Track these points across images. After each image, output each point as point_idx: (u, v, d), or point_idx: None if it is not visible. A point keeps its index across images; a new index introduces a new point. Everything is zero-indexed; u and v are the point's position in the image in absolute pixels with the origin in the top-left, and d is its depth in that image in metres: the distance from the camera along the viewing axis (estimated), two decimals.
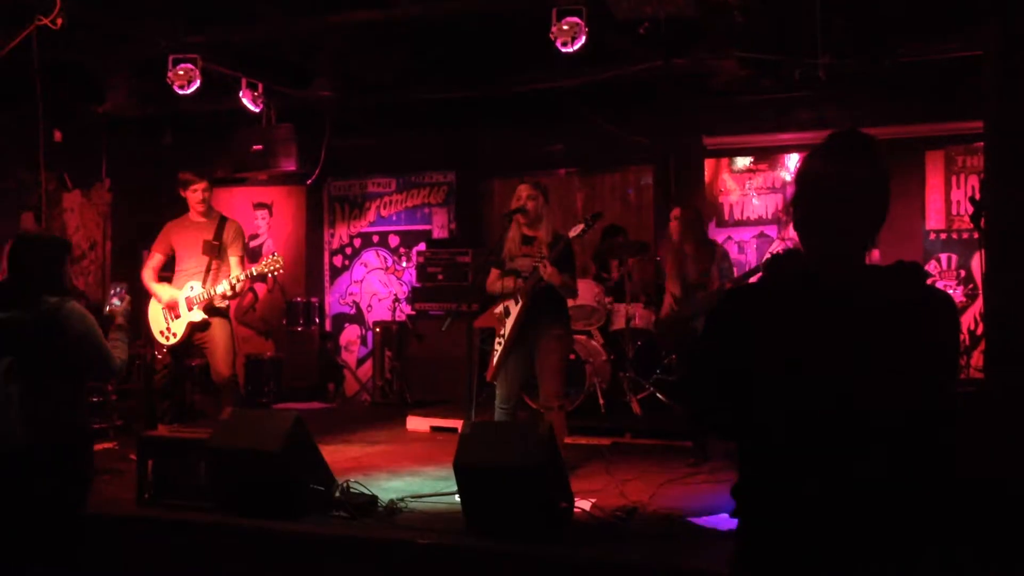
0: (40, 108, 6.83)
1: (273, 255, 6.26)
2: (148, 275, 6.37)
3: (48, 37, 6.41)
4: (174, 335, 6.24)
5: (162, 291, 6.27)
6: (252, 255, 10.08)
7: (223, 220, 6.43)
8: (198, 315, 6.17)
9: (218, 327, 6.24)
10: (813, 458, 1.90)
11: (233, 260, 6.32)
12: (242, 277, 6.20)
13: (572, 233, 5.40)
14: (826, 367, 1.89)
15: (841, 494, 1.87)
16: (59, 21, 6.30)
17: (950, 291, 7.85)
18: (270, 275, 6.36)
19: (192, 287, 6.21)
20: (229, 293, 6.17)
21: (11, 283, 3.85)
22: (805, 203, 2.02)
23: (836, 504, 1.87)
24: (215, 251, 6.29)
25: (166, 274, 6.47)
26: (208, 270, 6.26)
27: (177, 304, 6.21)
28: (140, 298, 6.46)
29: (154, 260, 6.42)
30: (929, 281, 1.99)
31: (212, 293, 6.15)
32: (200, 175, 6.36)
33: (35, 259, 3.85)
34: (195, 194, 6.33)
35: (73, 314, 3.77)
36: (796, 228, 2.04)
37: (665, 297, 6.58)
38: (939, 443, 1.90)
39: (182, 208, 6.51)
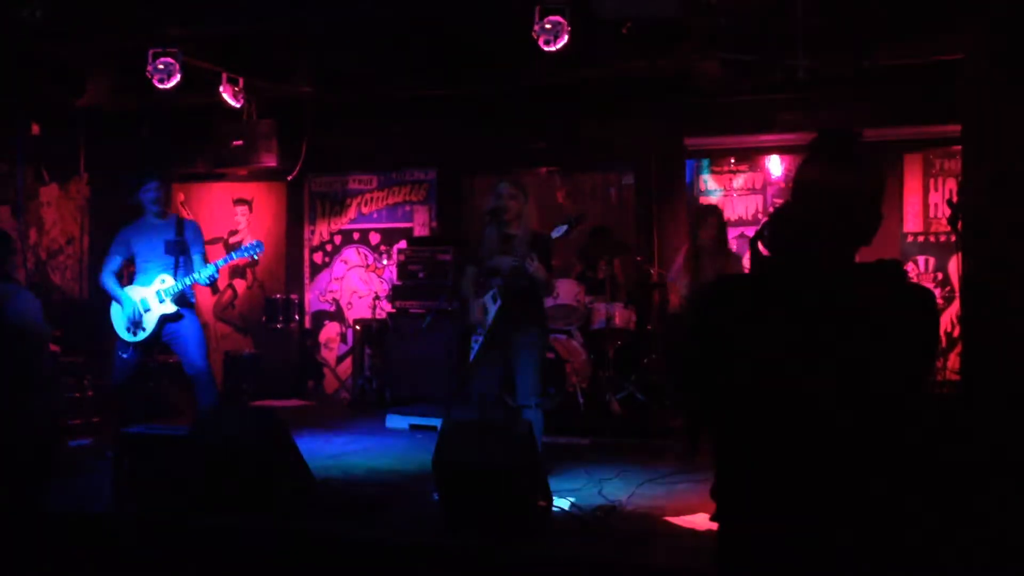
0: (18, 101, 6.77)
1: (253, 240, 6.31)
2: (110, 279, 6.30)
3: (26, 30, 6.35)
4: (143, 330, 6.19)
5: (130, 294, 6.22)
6: (231, 252, 10.03)
7: (181, 220, 6.42)
8: (171, 307, 6.16)
9: (187, 320, 6.23)
10: (790, 455, 1.90)
11: (197, 258, 6.30)
12: (221, 263, 6.21)
13: (555, 234, 5.39)
14: (805, 363, 1.89)
15: (818, 490, 1.88)
16: (38, 14, 6.25)
17: None
18: (250, 258, 6.36)
19: (163, 280, 6.18)
20: (206, 280, 6.16)
21: None
22: (800, 209, 2.03)
23: (813, 501, 1.88)
24: (179, 248, 6.26)
25: (130, 269, 6.43)
26: (176, 267, 6.23)
27: (147, 299, 6.18)
28: (103, 298, 6.42)
29: (113, 264, 6.33)
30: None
31: (186, 284, 6.14)
32: (152, 174, 6.31)
33: None
34: (147, 194, 6.27)
35: (14, 301, 3.73)
36: (789, 232, 2.04)
37: (672, 295, 6.77)
38: (916, 437, 1.91)
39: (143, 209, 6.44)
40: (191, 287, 6.22)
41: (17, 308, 3.74)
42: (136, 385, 6.42)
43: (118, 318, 6.25)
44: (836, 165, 1.99)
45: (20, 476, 3.76)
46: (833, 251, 1.98)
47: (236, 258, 6.33)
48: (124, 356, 6.22)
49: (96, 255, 9.51)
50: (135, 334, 6.20)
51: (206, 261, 6.31)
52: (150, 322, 6.19)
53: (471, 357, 5.53)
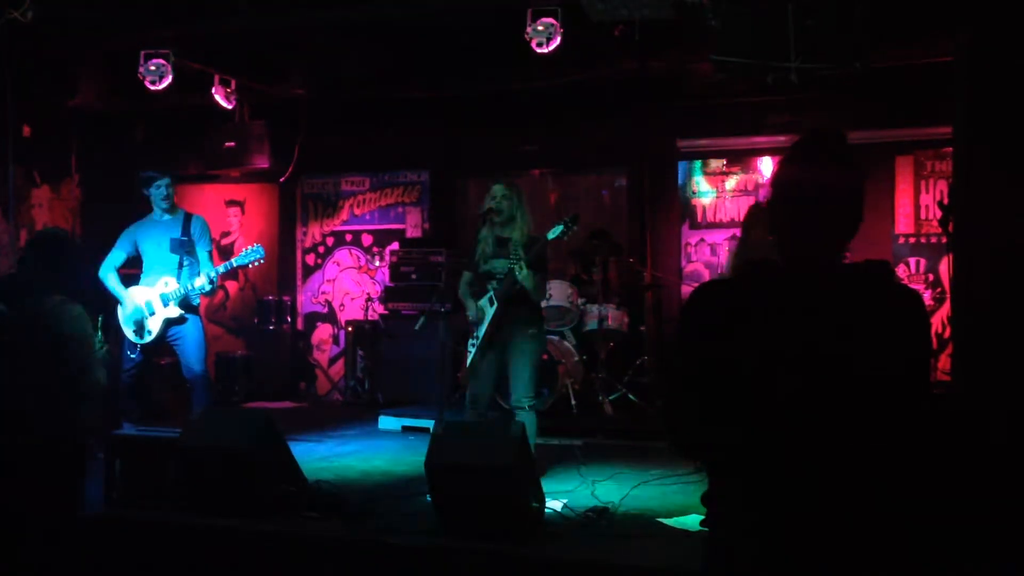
0: (9, 102, 6.75)
1: (254, 246, 6.28)
2: (111, 276, 6.29)
3: (18, 31, 6.33)
4: (148, 332, 6.19)
5: (134, 295, 6.21)
6: (224, 253, 10.02)
7: (188, 216, 6.41)
8: (175, 311, 6.16)
9: (190, 323, 6.23)
10: (777, 462, 1.89)
11: (203, 256, 6.30)
12: (221, 270, 6.21)
13: (551, 235, 5.40)
14: (796, 367, 1.88)
15: (806, 498, 1.87)
16: (29, 15, 6.23)
17: None
18: (251, 265, 6.34)
19: (167, 283, 6.18)
20: (208, 288, 6.16)
21: (16, 278, 3.90)
22: (781, 209, 2.02)
23: (801, 509, 1.87)
24: (185, 247, 6.25)
25: (132, 271, 6.41)
26: (180, 266, 6.23)
27: (152, 302, 6.18)
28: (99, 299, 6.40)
29: (115, 258, 6.33)
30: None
31: (189, 288, 6.13)
32: (163, 172, 6.34)
33: (40, 257, 3.88)
34: (159, 190, 6.30)
35: (64, 314, 3.76)
36: (772, 232, 2.03)
37: None
38: (910, 442, 1.90)
39: (149, 206, 6.45)
40: (196, 294, 6.21)
41: (68, 319, 3.78)
42: (139, 386, 6.42)
43: (124, 319, 6.25)
44: (815, 164, 1.97)
45: (65, 480, 3.82)
46: (816, 252, 1.97)
47: (236, 265, 6.33)
48: (132, 356, 6.23)
49: (88, 257, 9.48)
50: (141, 336, 6.20)
51: (212, 259, 6.32)
52: (155, 325, 6.19)
53: (467, 360, 5.53)
